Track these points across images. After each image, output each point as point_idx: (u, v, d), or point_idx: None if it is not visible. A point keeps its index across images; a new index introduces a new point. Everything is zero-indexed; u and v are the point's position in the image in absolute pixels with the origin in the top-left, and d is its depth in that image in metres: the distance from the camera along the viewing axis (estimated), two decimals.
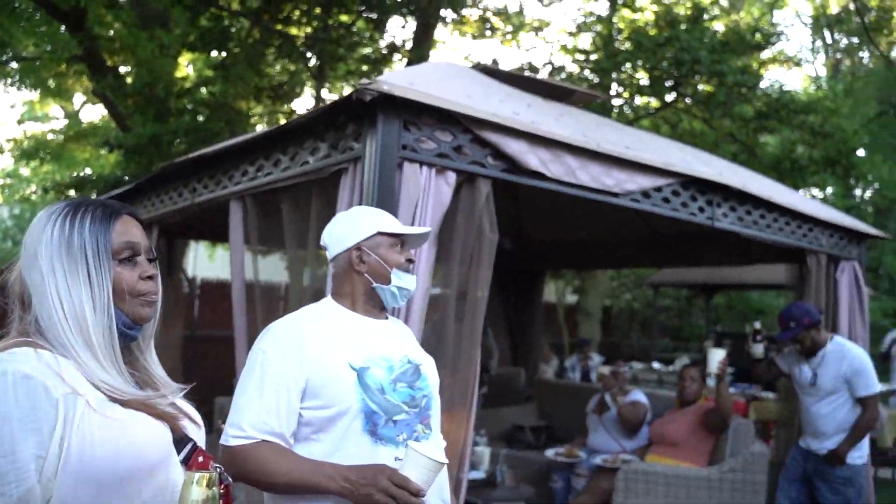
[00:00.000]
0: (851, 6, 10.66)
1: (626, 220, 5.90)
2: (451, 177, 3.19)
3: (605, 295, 16.30)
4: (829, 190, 17.23)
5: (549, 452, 5.54)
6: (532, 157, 3.36)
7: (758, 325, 4.92)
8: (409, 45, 11.96)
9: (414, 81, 3.21)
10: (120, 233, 1.39)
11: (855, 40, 19.40)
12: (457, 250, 3.28)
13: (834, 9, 13.15)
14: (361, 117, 3.15)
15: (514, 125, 3.32)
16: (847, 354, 4.26)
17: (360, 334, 2.07)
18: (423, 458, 1.80)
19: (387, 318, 2.22)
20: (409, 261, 2.18)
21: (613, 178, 3.74)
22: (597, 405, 5.68)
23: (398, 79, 3.18)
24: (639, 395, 5.55)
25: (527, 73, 11.96)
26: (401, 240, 2.18)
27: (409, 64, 11.38)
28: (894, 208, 17.04)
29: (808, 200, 5.91)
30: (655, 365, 10.01)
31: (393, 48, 12.24)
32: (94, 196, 9.17)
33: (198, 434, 1.47)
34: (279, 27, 10.95)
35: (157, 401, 1.39)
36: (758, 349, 4.76)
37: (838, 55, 22.15)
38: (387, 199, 3.00)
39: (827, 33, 21.60)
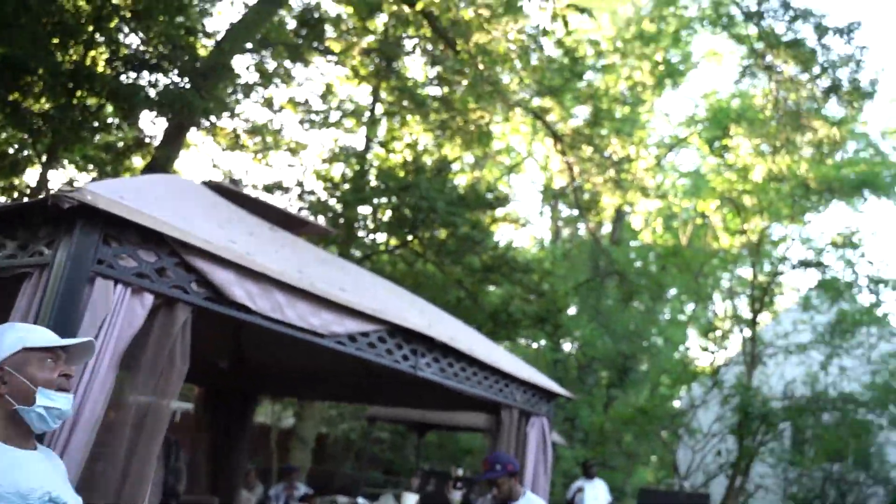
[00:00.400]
0: (573, 184, 12.20)
1: (342, 355, 5.97)
2: (148, 299, 3.05)
3: (322, 422, 16.15)
4: (544, 341, 18.84)
5: None
6: (238, 289, 3.33)
7: (460, 471, 5.13)
8: (158, 141, 11.54)
9: (125, 195, 3.08)
10: None
11: (575, 212, 21.94)
12: (142, 376, 3.08)
13: (559, 183, 14.95)
14: (58, 221, 2.94)
15: (224, 254, 3.28)
16: None
17: None
18: None
19: (35, 447, 2.02)
20: (65, 375, 2.02)
21: (321, 319, 3.80)
22: None
23: (107, 188, 3.03)
24: None
25: (276, 192, 12.05)
26: (55, 354, 2.02)
27: (153, 160, 10.94)
28: (593, 365, 18.97)
29: (508, 357, 6.40)
30: (360, 500, 9.93)
31: (140, 142, 11.74)
32: None
33: None
34: (15, 96, 10.07)
35: None
36: (456, 496, 4.94)
37: (560, 223, 24.91)
38: (70, 314, 2.78)
39: (553, 202, 24.29)
